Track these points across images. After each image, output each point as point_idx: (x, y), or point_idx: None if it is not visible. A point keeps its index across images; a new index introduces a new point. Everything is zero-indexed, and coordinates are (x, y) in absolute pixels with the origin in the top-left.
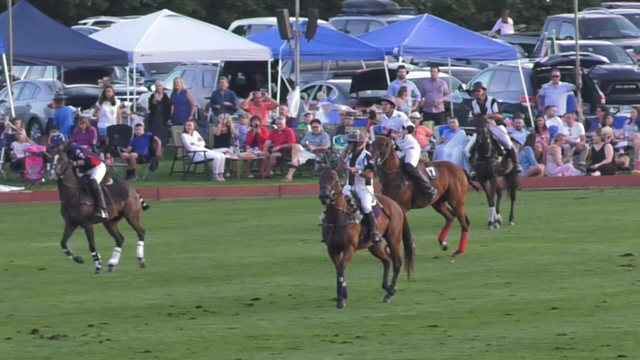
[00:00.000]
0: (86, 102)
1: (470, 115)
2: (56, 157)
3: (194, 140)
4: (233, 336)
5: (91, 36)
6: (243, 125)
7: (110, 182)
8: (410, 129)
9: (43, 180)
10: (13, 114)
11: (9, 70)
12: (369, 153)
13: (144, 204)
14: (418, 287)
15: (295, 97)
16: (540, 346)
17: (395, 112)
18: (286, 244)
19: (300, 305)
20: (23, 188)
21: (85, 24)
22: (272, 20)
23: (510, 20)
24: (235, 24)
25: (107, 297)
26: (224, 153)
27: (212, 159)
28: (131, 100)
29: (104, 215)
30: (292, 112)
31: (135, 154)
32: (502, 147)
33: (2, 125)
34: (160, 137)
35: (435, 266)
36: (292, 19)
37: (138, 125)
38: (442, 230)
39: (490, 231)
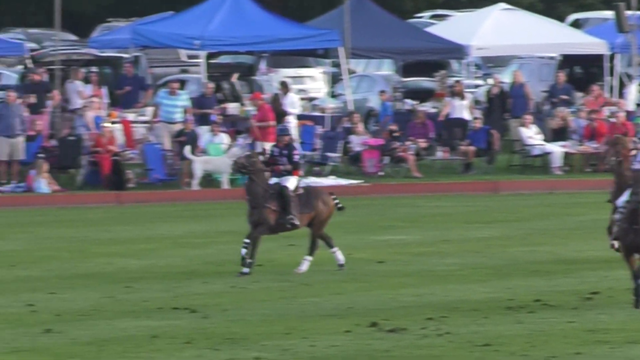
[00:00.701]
0: (423, 95)
1: None
2: (247, 153)
3: (531, 134)
4: (572, 330)
5: (428, 29)
6: (580, 119)
7: (300, 191)
8: None
9: (381, 173)
10: (351, 107)
11: (346, 63)
12: None
13: (339, 205)
14: None
15: (632, 90)
16: None
17: None
18: None
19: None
20: (362, 181)
21: (421, 17)
22: (609, 13)
23: None
24: (572, 17)
25: (446, 291)
26: (562, 146)
27: (549, 153)
28: (468, 93)
29: (296, 222)
30: (630, 105)
31: (472, 148)
32: None
33: (339, 118)
34: (497, 131)
35: None
36: (629, 12)
37: (476, 118)
38: None
39: None
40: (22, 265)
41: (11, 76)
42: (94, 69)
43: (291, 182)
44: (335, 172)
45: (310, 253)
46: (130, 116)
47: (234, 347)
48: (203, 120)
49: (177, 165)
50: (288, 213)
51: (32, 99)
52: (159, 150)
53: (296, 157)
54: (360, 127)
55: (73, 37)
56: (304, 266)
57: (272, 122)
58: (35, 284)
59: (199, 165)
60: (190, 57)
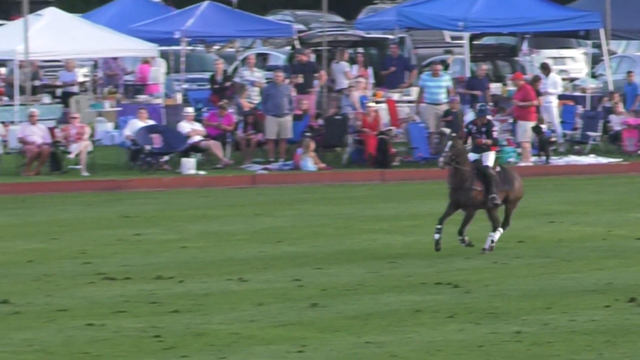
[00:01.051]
0: None
1: None
2: (449, 143)
3: None
4: None
5: None
6: None
7: (498, 169)
8: None
9: None
10: (611, 87)
11: (607, 44)
12: None
13: None
14: None
15: None
16: None
17: None
18: None
19: None
20: (621, 160)
21: None
22: None
23: None
24: None
25: None
26: None
27: None
28: None
29: (497, 201)
30: None
31: None
32: None
33: (600, 98)
34: None
35: None
36: None
37: None
38: None
39: None
40: (288, 241)
41: (279, 57)
42: (360, 49)
43: (490, 159)
44: (595, 151)
45: (503, 227)
46: (395, 96)
47: (495, 321)
48: (472, 100)
49: (442, 144)
50: (490, 192)
51: (300, 79)
52: (423, 130)
53: (495, 134)
54: (620, 106)
55: (340, 19)
56: (495, 237)
57: (535, 102)
58: (301, 259)
59: None
60: (453, 38)
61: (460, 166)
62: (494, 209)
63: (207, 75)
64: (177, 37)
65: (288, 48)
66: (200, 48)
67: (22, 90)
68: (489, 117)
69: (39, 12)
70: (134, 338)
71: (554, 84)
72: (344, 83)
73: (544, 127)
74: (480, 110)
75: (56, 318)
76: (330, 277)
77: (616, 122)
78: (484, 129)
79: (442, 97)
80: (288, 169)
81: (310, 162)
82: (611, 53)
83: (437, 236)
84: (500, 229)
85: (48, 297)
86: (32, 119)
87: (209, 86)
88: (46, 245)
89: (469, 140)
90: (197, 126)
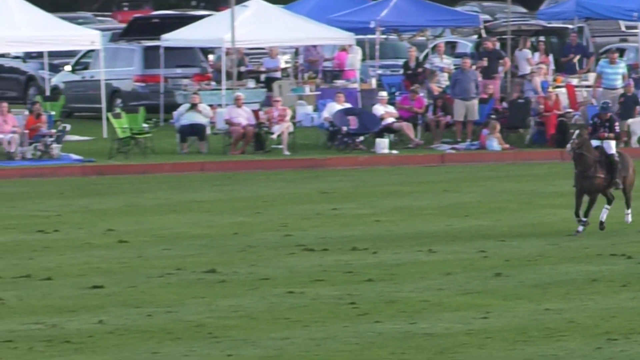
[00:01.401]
0: None
1: None
2: (576, 132)
3: None
4: None
5: None
6: None
7: (617, 156)
8: None
9: None
10: None
11: None
12: None
13: None
14: None
15: None
16: None
17: None
18: None
19: None
20: None
21: None
22: None
23: None
24: None
25: None
26: None
27: None
28: None
29: (621, 186)
30: None
31: None
32: None
33: None
34: None
35: None
36: None
37: None
38: None
39: None
40: (474, 215)
41: (467, 45)
42: (542, 38)
43: (613, 147)
44: None
45: (628, 207)
46: (574, 81)
47: None
48: None
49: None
50: (614, 177)
51: (485, 62)
52: None
53: (617, 129)
54: None
55: (523, 10)
56: (628, 218)
57: None
58: (486, 232)
59: (637, 126)
60: (628, 27)
61: (585, 153)
62: (629, 191)
63: (399, 61)
64: (373, 26)
65: (475, 37)
66: (393, 37)
67: (229, 76)
68: (610, 113)
69: (244, 3)
70: (331, 305)
71: None
72: (526, 69)
73: None
74: (602, 108)
75: (259, 286)
76: (513, 248)
77: None
78: (607, 124)
79: (618, 82)
80: (474, 148)
81: (495, 143)
82: None
83: (580, 228)
84: (629, 211)
85: (252, 266)
86: (237, 102)
87: (401, 72)
88: (250, 218)
89: (592, 131)
90: (391, 109)
